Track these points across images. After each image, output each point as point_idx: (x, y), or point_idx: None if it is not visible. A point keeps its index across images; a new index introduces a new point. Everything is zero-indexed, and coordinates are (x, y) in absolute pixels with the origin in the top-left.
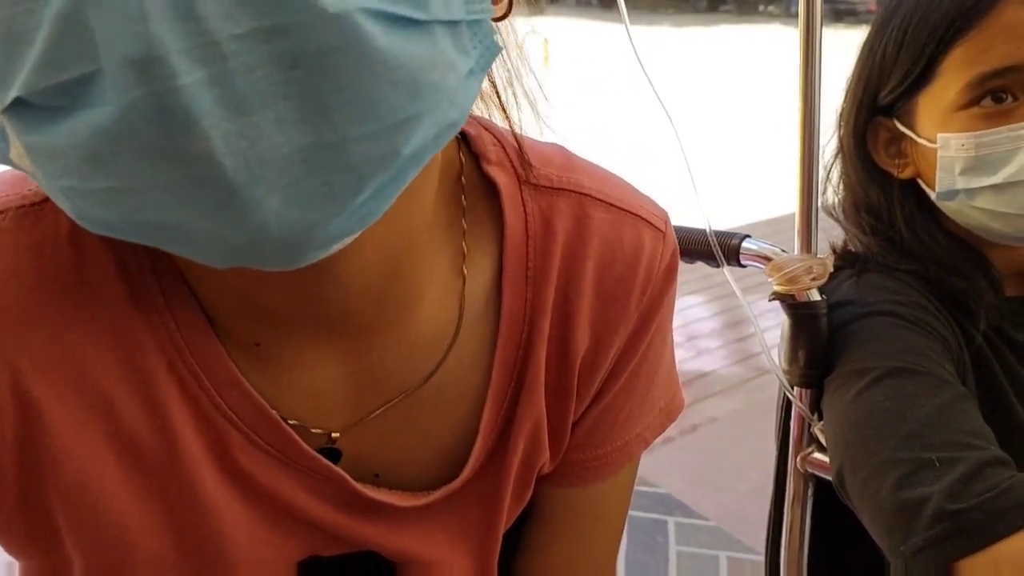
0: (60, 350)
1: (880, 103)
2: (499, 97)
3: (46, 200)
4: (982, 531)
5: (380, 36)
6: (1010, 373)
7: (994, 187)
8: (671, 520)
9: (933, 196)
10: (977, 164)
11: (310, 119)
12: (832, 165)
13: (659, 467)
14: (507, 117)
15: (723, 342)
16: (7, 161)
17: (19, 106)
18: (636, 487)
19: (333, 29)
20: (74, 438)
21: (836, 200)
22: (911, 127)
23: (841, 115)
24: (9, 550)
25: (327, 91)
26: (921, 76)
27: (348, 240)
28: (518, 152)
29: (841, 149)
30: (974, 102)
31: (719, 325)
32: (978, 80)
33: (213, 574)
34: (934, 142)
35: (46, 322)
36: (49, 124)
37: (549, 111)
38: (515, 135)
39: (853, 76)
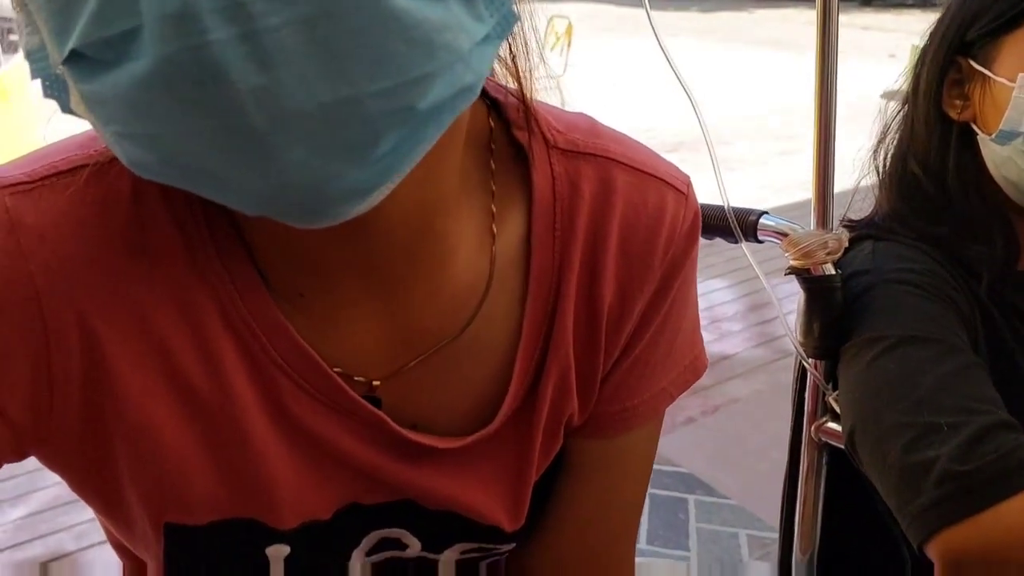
0: (122, 297)
1: (966, 40)
2: (516, 65)
3: (112, 160)
4: (986, 492)
5: None
6: (1018, 341)
7: None
8: (692, 498)
9: (988, 139)
10: None
11: (330, 75)
12: (895, 117)
13: (681, 447)
14: (520, 84)
15: (746, 325)
16: (68, 110)
17: (75, 57)
18: (659, 466)
19: None
20: (134, 380)
21: (883, 159)
22: (988, 68)
23: (922, 53)
24: (72, 487)
25: (346, 49)
26: (1016, 17)
27: (378, 196)
28: (530, 115)
29: (914, 89)
30: None
31: (742, 308)
32: None
33: (259, 514)
34: (1012, 82)
35: (110, 270)
36: (99, 74)
37: (570, 91)
38: (524, 99)
39: (945, 12)
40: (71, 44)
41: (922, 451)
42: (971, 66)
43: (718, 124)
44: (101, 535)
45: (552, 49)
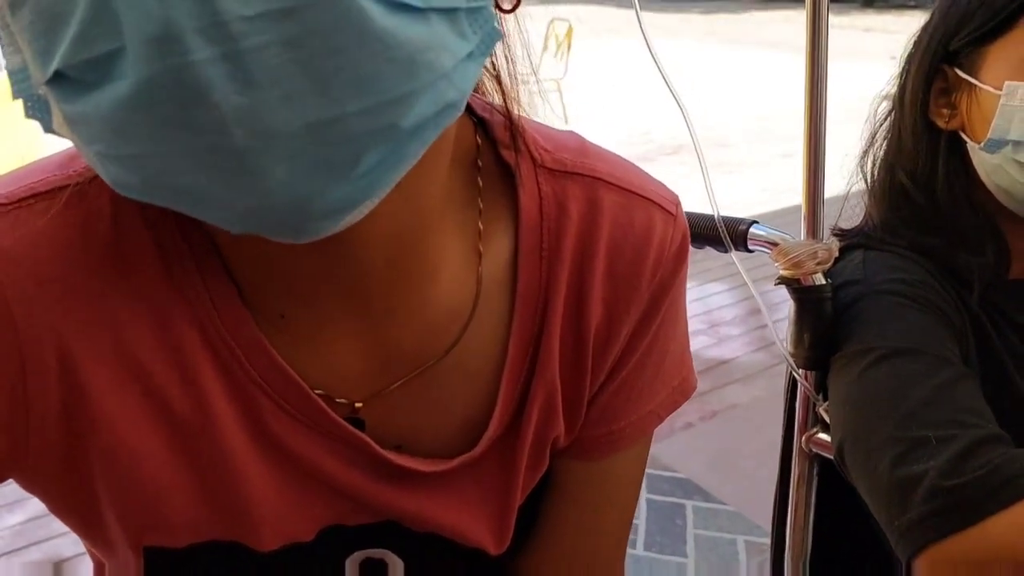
0: (101, 319)
1: (950, 49)
2: (499, 82)
3: (92, 180)
4: (974, 507)
5: (379, 18)
6: (1012, 352)
7: None
8: (689, 504)
9: (976, 147)
10: None
11: (313, 94)
12: (881, 125)
13: (679, 453)
14: (506, 101)
15: (745, 329)
16: (51, 130)
17: (58, 78)
18: (656, 471)
19: (337, 11)
20: (113, 403)
21: (871, 168)
22: (974, 76)
23: (908, 62)
24: (51, 509)
25: (328, 69)
26: (1000, 25)
27: (360, 213)
28: (518, 134)
29: (900, 98)
30: None
31: (741, 312)
32: None
33: (240, 536)
34: (998, 90)
35: (89, 293)
36: (81, 95)
37: (570, 93)
38: (510, 117)
39: (929, 21)
40: (54, 65)
41: (911, 465)
42: (957, 75)
43: (719, 127)
44: None
45: (556, 55)
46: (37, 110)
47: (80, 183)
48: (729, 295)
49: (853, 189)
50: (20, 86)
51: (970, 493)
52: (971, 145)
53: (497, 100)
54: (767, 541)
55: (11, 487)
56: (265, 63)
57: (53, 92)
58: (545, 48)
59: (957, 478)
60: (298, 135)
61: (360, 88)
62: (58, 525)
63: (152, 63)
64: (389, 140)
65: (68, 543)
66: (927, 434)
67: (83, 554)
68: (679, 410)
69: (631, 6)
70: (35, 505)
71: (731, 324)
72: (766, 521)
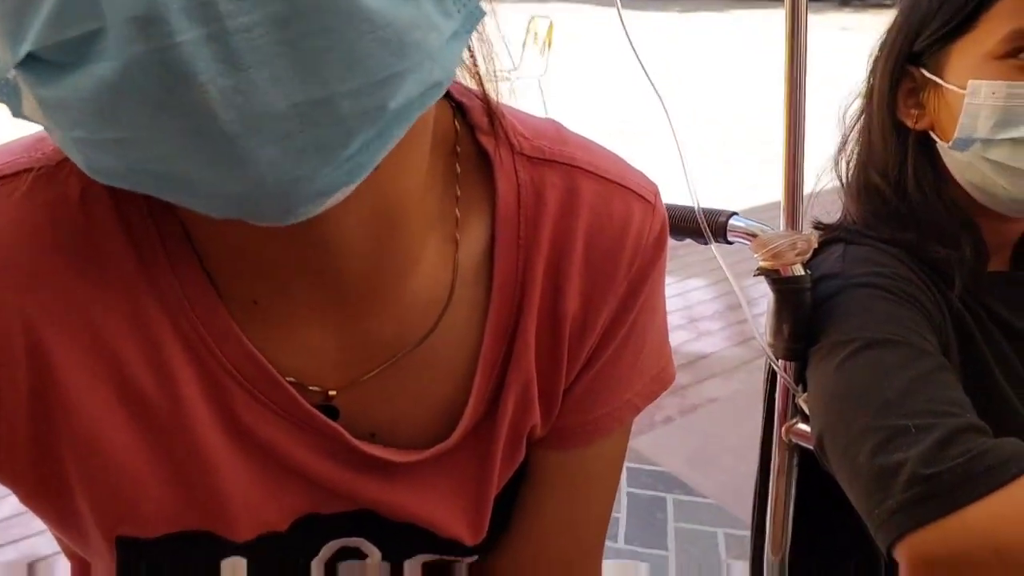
0: (70, 305)
1: (915, 50)
2: (476, 66)
3: (58, 164)
4: (953, 495)
5: None
6: (991, 344)
7: (1014, 140)
8: (670, 497)
9: (946, 146)
10: (1003, 115)
11: (301, 75)
12: (853, 127)
13: (659, 447)
14: (483, 87)
15: (724, 324)
16: (20, 115)
17: (31, 61)
18: (637, 465)
19: None
20: (84, 391)
21: (845, 168)
22: (939, 75)
23: (874, 64)
24: (23, 500)
25: (318, 49)
26: (961, 24)
27: (340, 196)
28: (496, 119)
29: (868, 99)
30: (1012, 54)
31: (720, 307)
32: (1020, 33)
33: (214, 526)
34: (963, 89)
35: (58, 278)
36: (58, 78)
37: (548, 90)
38: (488, 101)
39: (893, 23)
40: (26, 47)
41: (890, 454)
42: (923, 75)
43: (702, 123)
44: None
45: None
46: (4, 94)
47: (47, 166)
48: (709, 290)
49: (828, 187)
50: None
51: (949, 481)
52: (941, 144)
53: (474, 86)
54: (747, 534)
55: None
56: (252, 44)
57: (25, 76)
58: (525, 45)
59: (936, 466)
60: (287, 117)
61: (349, 69)
62: (36, 524)
63: (135, 44)
64: (377, 121)
65: (44, 541)
66: (906, 423)
67: (59, 553)
68: (659, 404)
69: (610, 4)
70: (10, 505)
71: (711, 319)
72: (746, 514)
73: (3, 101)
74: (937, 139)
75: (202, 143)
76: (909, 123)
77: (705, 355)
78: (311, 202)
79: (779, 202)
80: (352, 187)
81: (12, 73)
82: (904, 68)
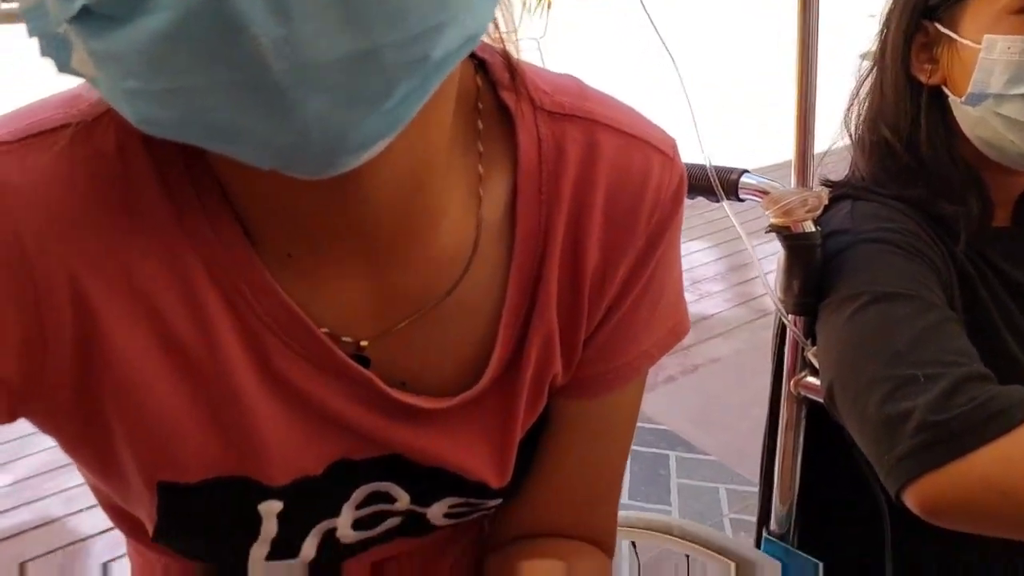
0: (111, 255)
1: (930, 3)
2: (496, 25)
3: (95, 120)
4: (960, 440)
5: None
6: (995, 297)
7: None
8: (673, 454)
9: (958, 101)
10: (1017, 70)
11: (349, 26)
12: (863, 81)
13: (662, 405)
14: (503, 40)
15: (726, 285)
16: (68, 70)
17: (85, 15)
18: (641, 423)
19: None
20: (125, 338)
21: (855, 124)
22: (954, 30)
23: (887, 17)
24: (64, 447)
25: (366, 1)
26: None
27: (378, 148)
28: (517, 75)
29: (881, 54)
30: None
31: (722, 269)
32: None
33: (251, 471)
34: (978, 44)
35: (98, 229)
36: (111, 30)
37: (552, 48)
38: (509, 58)
39: None
40: (81, 1)
41: (899, 402)
42: (937, 29)
43: (702, 88)
44: (89, 500)
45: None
46: (53, 48)
47: (85, 121)
48: (710, 252)
49: (837, 145)
50: (35, 23)
51: (956, 427)
52: (953, 99)
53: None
54: (748, 489)
55: None
56: None
57: (78, 29)
58: (525, 6)
59: (944, 413)
60: (335, 67)
61: (395, 19)
62: (49, 485)
63: None
64: (419, 72)
65: (58, 503)
66: (915, 372)
67: (73, 514)
68: (662, 364)
69: None
70: (24, 466)
71: (712, 280)
72: (747, 470)
73: (51, 55)
74: (949, 94)
75: (253, 94)
76: (922, 78)
77: (707, 316)
78: (352, 154)
79: (778, 165)
80: (390, 139)
81: (63, 27)
82: (918, 22)
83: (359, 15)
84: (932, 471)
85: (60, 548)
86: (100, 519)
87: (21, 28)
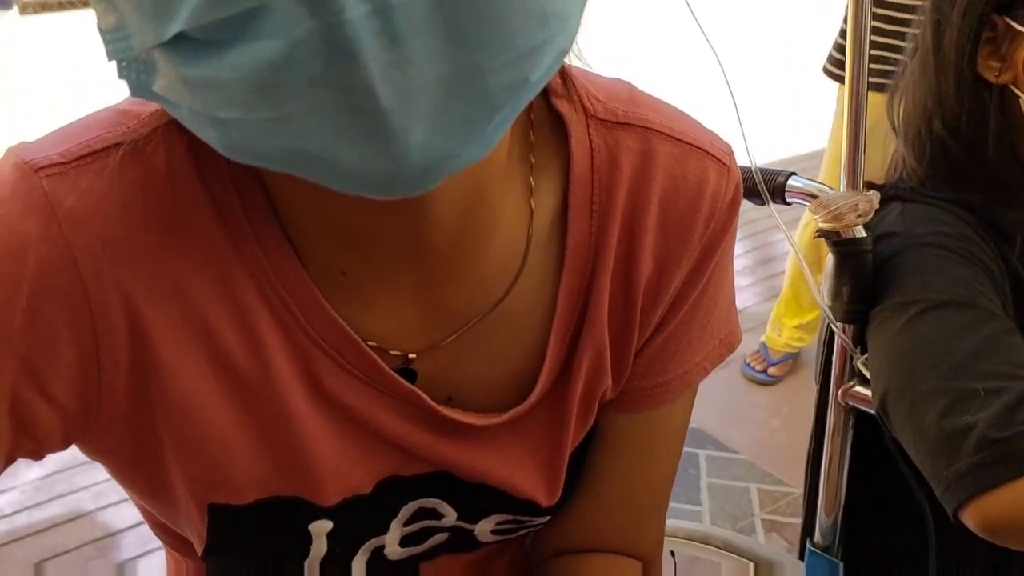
0: (164, 277)
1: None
2: None
3: (144, 138)
4: (1022, 459)
5: None
6: None
7: None
8: (703, 453)
9: None
10: None
11: (453, 49)
12: (904, 71)
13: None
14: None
15: (755, 279)
16: (146, 94)
17: (181, 40)
18: None
19: None
20: (178, 360)
21: (898, 116)
22: None
23: (939, 7)
24: (114, 474)
25: (469, 22)
26: None
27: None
28: (570, 82)
29: (936, 47)
30: None
31: (751, 263)
32: None
33: (303, 492)
34: None
35: (151, 251)
36: (210, 57)
37: (591, 43)
38: (563, 66)
39: None
40: (177, 26)
41: (959, 417)
42: (1009, 25)
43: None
44: (119, 494)
45: None
46: (134, 71)
47: (135, 140)
48: (739, 245)
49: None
50: (116, 46)
51: (1019, 445)
52: None
53: None
54: (779, 489)
55: None
56: (410, 17)
57: (170, 55)
58: None
59: (1006, 430)
60: (438, 91)
61: (498, 41)
62: (79, 479)
63: (303, 21)
64: (519, 96)
65: (88, 497)
66: (975, 386)
67: (103, 508)
68: None
69: None
70: (54, 460)
71: (740, 274)
72: (777, 469)
73: (128, 79)
74: (1021, 95)
75: (357, 120)
76: (989, 76)
77: (737, 311)
78: (441, 177)
79: (797, 156)
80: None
81: (149, 52)
82: (986, 18)
83: (464, 37)
84: (993, 490)
85: (91, 542)
86: (130, 513)
87: (49, 18)
